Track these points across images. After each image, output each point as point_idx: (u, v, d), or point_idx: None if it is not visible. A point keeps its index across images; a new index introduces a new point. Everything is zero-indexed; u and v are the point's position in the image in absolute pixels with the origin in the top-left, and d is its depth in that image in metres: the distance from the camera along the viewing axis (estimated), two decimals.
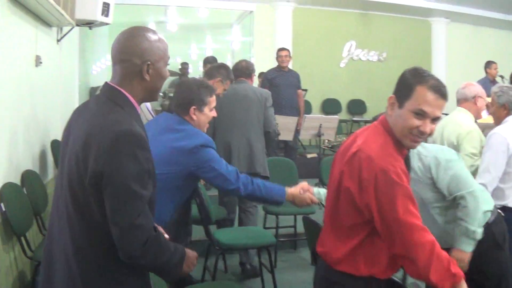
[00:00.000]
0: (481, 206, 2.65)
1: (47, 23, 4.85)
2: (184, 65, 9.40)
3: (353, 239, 2.01)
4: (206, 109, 3.02)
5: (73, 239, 1.78)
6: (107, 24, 5.60)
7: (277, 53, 7.17)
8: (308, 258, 3.73)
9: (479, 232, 2.65)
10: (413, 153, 2.61)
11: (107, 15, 5.43)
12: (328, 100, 10.23)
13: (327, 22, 10.00)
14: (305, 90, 7.82)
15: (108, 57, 9.24)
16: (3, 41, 3.66)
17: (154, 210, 1.89)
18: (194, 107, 3.00)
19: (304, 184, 3.05)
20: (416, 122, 1.96)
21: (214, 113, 3.09)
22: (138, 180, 1.74)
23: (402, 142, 2.01)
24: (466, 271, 2.44)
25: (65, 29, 5.51)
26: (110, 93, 1.85)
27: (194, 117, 2.99)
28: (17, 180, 3.89)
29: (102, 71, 9.72)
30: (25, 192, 3.99)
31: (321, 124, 6.41)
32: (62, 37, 5.48)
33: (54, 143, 4.97)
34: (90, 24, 5.45)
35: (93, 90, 8.64)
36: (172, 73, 9.23)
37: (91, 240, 1.78)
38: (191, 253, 2.01)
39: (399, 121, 1.98)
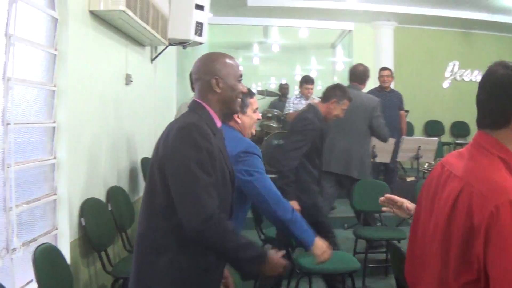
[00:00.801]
0: None
1: (139, 43, 4.97)
2: (284, 86, 9.35)
3: None
4: (249, 111, 2.98)
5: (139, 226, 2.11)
6: (200, 43, 5.66)
7: (379, 73, 6.83)
8: None
9: None
10: None
11: (200, 35, 5.49)
12: (430, 121, 9.78)
13: (429, 42, 9.56)
14: (407, 111, 7.46)
15: None
16: (94, 61, 3.80)
17: (226, 208, 2.12)
18: None
19: None
20: None
21: (258, 115, 3.05)
22: (198, 164, 1.96)
23: None
24: None
25: (160, 48, 5.63)
26: (192, 105, 2.19)
27: (239, 120, 2.95)
28: (101, 196, 3.97)
29: None
30: (110, 208, 4.06)
31: (419, 146, 6.06)
32: (156, 56, 5.60)
33: (144, 161, 5.05)
34: (183, 43, 5.52)
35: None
36: (272, 94, 9.22)
37: (150, 225, 2.06)
38: (275, 257, 2.10)
39: None
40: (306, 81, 6.87)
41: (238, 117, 2.91)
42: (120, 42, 4.40)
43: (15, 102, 2.83)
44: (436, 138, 6.72)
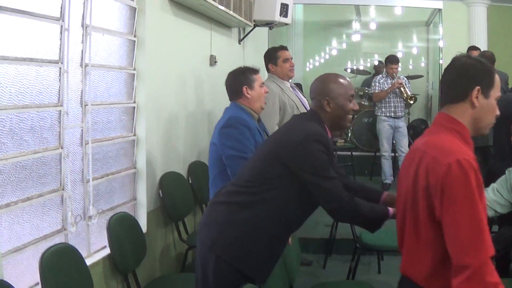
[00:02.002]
0: None
1: (225, 25, 5.19)
2: (379, 64, 9.21)
3: None
4: (255, 86, 3.21)
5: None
6: (286, 24, 5.78)
7: (467, 53, 6.53)
8: None
9: None
10: None
11: (285, 16, 5.61)
12: None
13: None
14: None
15: (301, 54, 9.50)
16: (174, 44, 4.07)
17: None
18: (245, 86, 3.19)
19: None
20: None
21: (266, 89, 3.28)
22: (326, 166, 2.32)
23: (482, 132, 1.98)
24: None
25: (248, 29, 5.82)
26: (309, 115, 2.50)
27: (248, 95, 3.17)
28: (182, 170, 4.27)
29: (298, 68, 9.90)
30: (190, 182, 4.37)
31: None
32: (243, 37, 5.80)
33: None
34: (269, 24, 5.66)
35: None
36: (362, 72, 9.12)
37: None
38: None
39: (488, 111, 1.93)
40: (391, 61, 6.73)
41: (247, 92, 3.17)
42: (203, 25, 4.64)
43: (94, 85, 3.15)
44: None
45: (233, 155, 3.00)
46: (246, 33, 5.85)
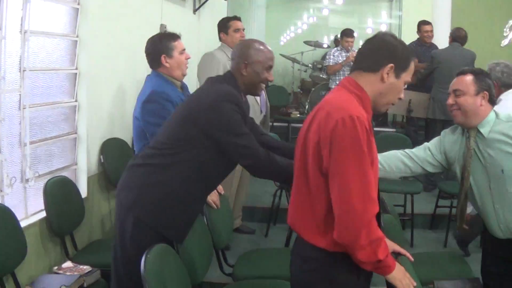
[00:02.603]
0: None
1: None
2: (338, 38, 9.31)
3: None
4: (175, 53, 3.17)
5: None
6: None
7: (420, 27, 6.65)
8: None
9: None
10: None
11: None
12: None
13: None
14: None
15: (263, 27, 9.51)
16: (127, 12, 4.14)
17: None
18: (163, 55, 3.15)
19: None
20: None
21: (187, 55, 3.24)
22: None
23: (380, 109, 2.04)
24: None
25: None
26: (227, 76, 2.57)
27: (167, 64, 3.15)
28: (128, 138, 4.35)
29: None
30: (134, 149, 4.45)
31: (410, 100, 5.92)
32: (198, 7, 5.85)
33: None
34: None
35: None
36: (319, 45, 9.16)
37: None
38: None
39: (393, 90, 1.99)
40: (346, 34, 6.83)
41: (166, 61, 3.15)
42: None
43: (34, 51, 3.20)
44: (428, 94, 6.40)
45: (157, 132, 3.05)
46: (201, 3, 5.89)
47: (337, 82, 6.70)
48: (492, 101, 2.62)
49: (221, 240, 3.12)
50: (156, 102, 3.01)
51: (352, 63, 6.41)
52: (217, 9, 6.67)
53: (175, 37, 3.23)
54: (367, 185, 1.79)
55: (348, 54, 6.75)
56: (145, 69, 4.46)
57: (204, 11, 6.11)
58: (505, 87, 3.51)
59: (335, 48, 7.14)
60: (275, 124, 7.59)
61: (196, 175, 2.44)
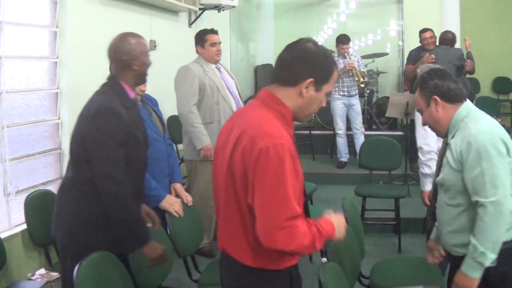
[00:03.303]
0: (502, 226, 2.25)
1: (169, 10, 5.45)
2: None
3: None
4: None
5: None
6: (233, 7, 6.01)
7: (420, 36, 6.64)
8: None
9: (489, 257, 2.22)
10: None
11: None
12: (498, 78, 9.29)
13: None
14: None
15: (272, 35, 9.57)
16: (109, 33, 4.29)
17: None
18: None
19: None
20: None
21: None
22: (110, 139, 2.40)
23: (302, 120, 2.01)
24: None
25: (198, 12, 6.07)
26: (108, 82, 2.58)
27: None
28: None
29: (268, 50, 9.73)
30: None
31: (407, 102, 5.91)
32: (193, 21, 6.05)
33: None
34: (217, 7, 5.90)
35: (259, 68, 9.07)
36: None
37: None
38: (157, 245, 2.55)
39: (313, 103, 1.94)
40: (341, 41, 6.77)
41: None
42: (140, 11, 4.90)
43: (11, 75, 3.45)
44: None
45: None
46: (196, 17, 6.08)
47: (337, 89, 6.79)
48: (447, 96, 2.42)
49: (186, 248, 3.26)
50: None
51: (349, 72, 6.45)
52: (218, 20, 6.76)
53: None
54: (287, 208, 1.79)
55: (345, 61, 6.79)
56: None
57: (202, 24, 6.27)
58: None
59: (333, 55, 7.17)
60: None
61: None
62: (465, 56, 6.21)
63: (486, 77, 9.17)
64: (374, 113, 8.25)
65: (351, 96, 6.92)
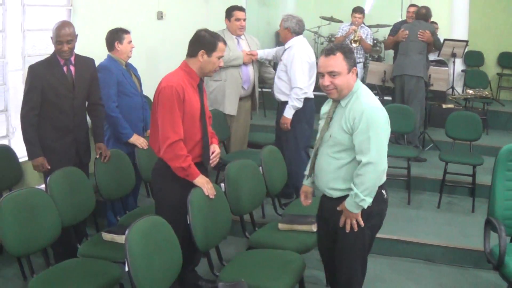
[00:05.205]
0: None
1: None
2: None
3: None
4: (124, 42, 4.39)
5: None
6: None
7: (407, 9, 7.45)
8: None
9: (367, 202, 2.84)
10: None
11: None
12: (504, 53, 9.53)
13: None
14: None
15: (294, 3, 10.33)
16: (124, 4, 5.43)
17: None
18: (117, 41, 4.39)
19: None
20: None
21: (132, 45, 4.46)
22: None
23: (207, 74, 3.37)
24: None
25: None
26: None
27: (118, 48, 4.41)
28: None
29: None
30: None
31: (430, 75, 6.58)
32: None
33: None
34: None
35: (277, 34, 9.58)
36: (335, 20, 9.29)
37: None
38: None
39: (209, 64, 3.25)
40: (355, 10, 7.49)
41: (118, 45, 4.35)
42: None
43: (33, 44, 4.63)
44: (446, 68, 7.03)
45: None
46: None
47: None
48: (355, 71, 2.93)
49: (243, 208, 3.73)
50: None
51: (351, 36, 7.16)
52: None
53: (127, 31, 4.44)
54: (173, 125, 3.15)
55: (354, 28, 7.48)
56: (144, 53, 5.72)
57: None
58: (296, 34, 4.90)
59: (346, 23, 7.91)
60: None
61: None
62: None
63: (492, 51, 9.53)
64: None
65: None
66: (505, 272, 3.18)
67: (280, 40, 5.37)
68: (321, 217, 3.18)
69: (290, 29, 4.91)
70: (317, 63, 3.31)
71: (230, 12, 5.25)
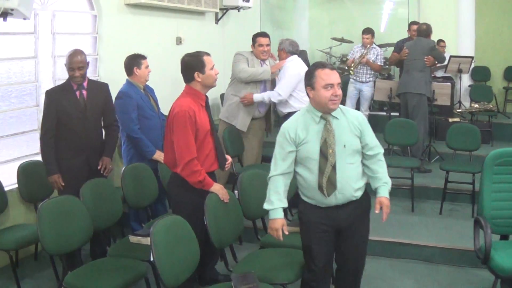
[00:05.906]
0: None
1: (199, 12, 7.03)
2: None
3: None
4: (142, 67, 4.79)
5: None
6: (249, 8, 7.49)
7: (409, 26, 7.86)
8: None
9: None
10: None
11: (247, 1, 7.33)
12: (510, 68, 9.85)
13: None
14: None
15: (307, 26, 10.79)
16: (146, 32, 5.93)
17: None
18: (135, 67, 4.75)
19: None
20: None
21: (149, 70, 4.84)
22: None
23: (211, 86, 3.69)
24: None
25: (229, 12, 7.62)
26: None
27: (137, 73, 4.78)
28: None
29: (303, 38, 10.35)
30: None
31: (433, 90, 6.88)
32: (219, 19, 7.52)
33: None
34: (237, 8, 7.40)
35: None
36: (346, 41, 9.81)
37: None
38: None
39: (207, 79, 3.59)
40: (363, 31, 7.86)
41: (136, 71, 4.71)
42: (167, 16, 6.43)
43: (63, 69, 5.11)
44: (449, 83, 7.31)
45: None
46: (222, 15, 7.55)
47: (353, 74, 7.95)
48: None
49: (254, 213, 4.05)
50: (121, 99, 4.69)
51: (364, 64, 7.60)
52: (246, 15, 8.11)
53: (144, 57, 4.83)
54: (188, 145, 3.51)
55: (363, 52, 7.88)
56: (156, 78, 6.19)
57: (229, 20, 7.65)
58: (291, 53, 5.58)
59: (357, 45, 8.25)
60: None
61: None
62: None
63: (498, 66, 9.84)
64: None
65: (363, 82, 7.92)
66: (492, 265, 3.49)
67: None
68: (327, 226, 3.22)
69: (285, 49, 5.63)
70: None
71: (254, 38, 5.69)
